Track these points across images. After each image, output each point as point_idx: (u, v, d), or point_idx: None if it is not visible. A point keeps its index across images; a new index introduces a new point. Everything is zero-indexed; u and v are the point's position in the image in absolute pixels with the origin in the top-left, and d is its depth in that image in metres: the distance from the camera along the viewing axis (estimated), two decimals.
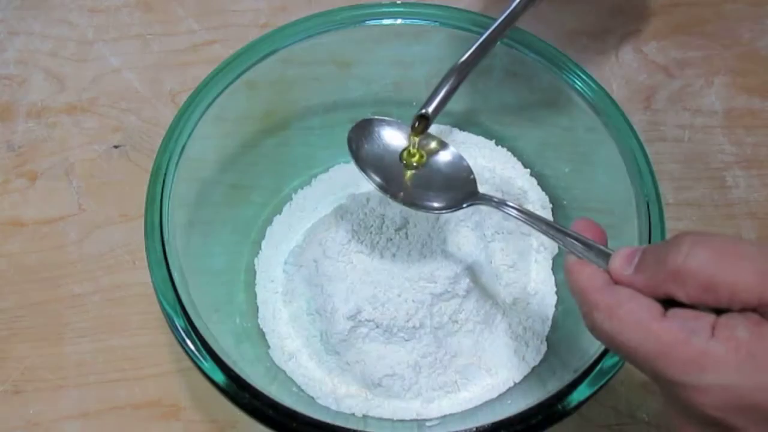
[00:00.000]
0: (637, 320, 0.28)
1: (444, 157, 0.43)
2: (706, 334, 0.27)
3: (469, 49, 0.42)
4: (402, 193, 0.42)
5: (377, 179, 0.42)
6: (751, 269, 0.27)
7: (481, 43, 0.42)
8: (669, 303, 0.29)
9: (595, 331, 0.30)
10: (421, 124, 0.41)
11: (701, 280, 0.27)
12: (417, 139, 0.42)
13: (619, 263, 0.31)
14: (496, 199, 0.39)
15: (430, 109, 0.41)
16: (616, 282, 0.31)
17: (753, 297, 0.26)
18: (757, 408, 0.26)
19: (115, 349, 0.50)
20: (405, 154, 0.43)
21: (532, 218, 0.37)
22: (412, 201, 0.41)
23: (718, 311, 0.28)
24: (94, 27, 0.61)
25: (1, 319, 0.50)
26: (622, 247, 0.32)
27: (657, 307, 0.29)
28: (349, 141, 0.42)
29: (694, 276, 0.27)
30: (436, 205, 0.41)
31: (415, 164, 0.43)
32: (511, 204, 0.38)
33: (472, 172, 0.42)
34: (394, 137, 0.43)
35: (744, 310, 0.27)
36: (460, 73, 0.41)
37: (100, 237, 0.53)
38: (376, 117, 0.43)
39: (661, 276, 0.29)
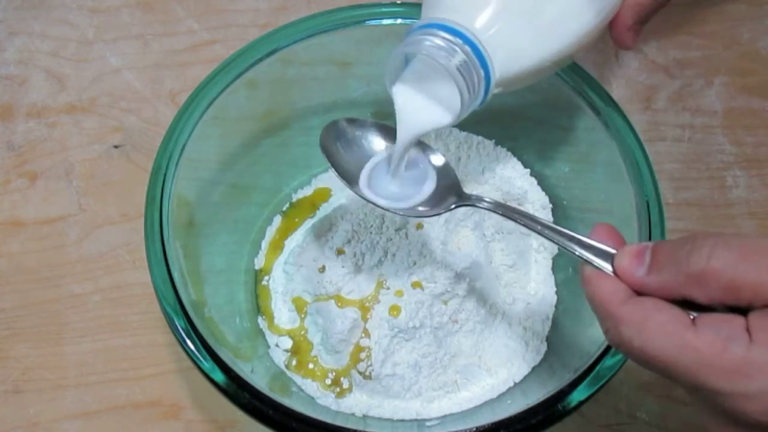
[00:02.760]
0: (669, 333, 0.27)
1: (426, 159, 0.42)
2: (744, 339, 0.26)
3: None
4: (385, 198, 0.40)
5: (357, 185, 0.40)
6: None
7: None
8: (680, 303, 0.28)
9: (623, 346, 0.29)
10: None
11: (724, 282, 0.27)
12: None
13: (627, 263, 0.30)
14: (488, 200, 0.38)
15: None
16: (626, 283, 0.30)
17: None
18: None
19: (115, 349, 0.50)
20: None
21: (524, 218, 0.36)
22: (396, 206, 0.40)
23: (733, 309, 0.27)
24: (94, 27, 0.61)
25: (1, 319, 0.50)
26: (628, 245, 0.31)
27: (684, 316, 0.28)
28: (323, 147, 0.40)
29: (717, 278, 0.27)
30: (421, 209, 0.40)
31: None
32: (500, 203, 0.37)
33: (455, 174, 0.41)
34: (369, 138, 0.42)
35: (766, 307, 0.26)
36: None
37: (100, 237, 0.53)
38: (346, 118, 0.41)
39: (680, 278, 0.28)
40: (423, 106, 0.38)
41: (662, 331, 0.28)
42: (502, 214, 0.37)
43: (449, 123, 0.37)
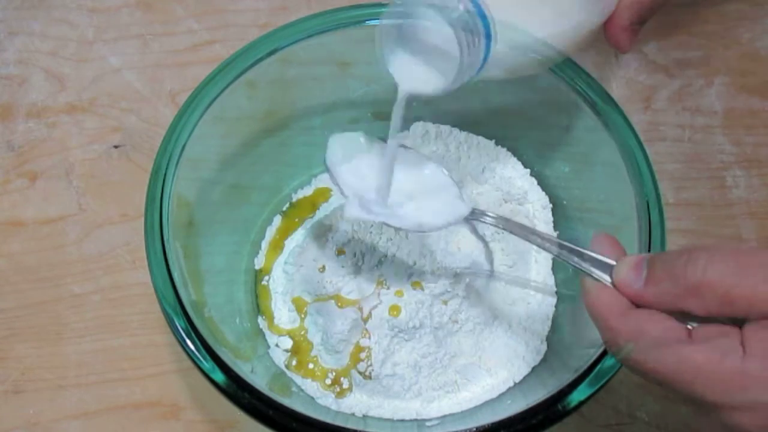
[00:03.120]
0: (665, 346, 0.28)
1: (429, 174, 0.42)
2: (739, 351, 0.26)
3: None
4: (389, 215, 0.40)
5: (362, 204, 0.40)
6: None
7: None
8: (677, 314, 0.29)
9: (620, 357, 0.30)
10: None
11: (719, 294, 0.27)
12: None
13: (625, 275, 0.30)
14: (491, 215, 0.39)
15: None
16: (624, 295, 0.30)
17: None
18: None
19: (115, 349, 0.50)
20: None
21: (525, 231, 0.36)
22: (401, 222, 0.40)
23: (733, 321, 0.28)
24: (94, 27, 0.61)
25: (1, 319, 0.50)
26: (626, 256, 0.31)
27: (681, 328, 0.28)
28: (329, 166, 0.41)
29: (713, 290, 0.27)
30: (426, 225, 0.40)
31: None
32: (501, 217, 0.38)
33: (459, 189, 0.42)
34: (372, 154, 0.42)
35: (762, 318, 0.27)
36: None
37: (100, 237, 0.53)
38: (348, 133, 0.42)
39: (677, 291, 0.28)
40: (419, 70, 0.37)
41: (659, 344, 0.28)
42: (503, 228, 0.38)
43: (447, 85, 0.36)
